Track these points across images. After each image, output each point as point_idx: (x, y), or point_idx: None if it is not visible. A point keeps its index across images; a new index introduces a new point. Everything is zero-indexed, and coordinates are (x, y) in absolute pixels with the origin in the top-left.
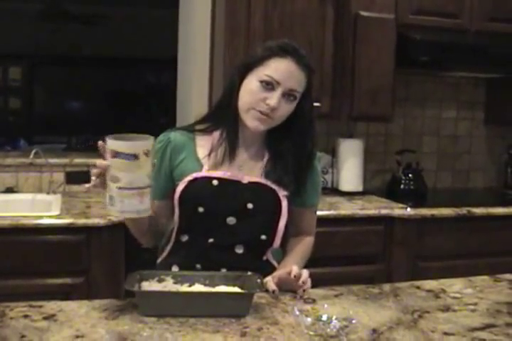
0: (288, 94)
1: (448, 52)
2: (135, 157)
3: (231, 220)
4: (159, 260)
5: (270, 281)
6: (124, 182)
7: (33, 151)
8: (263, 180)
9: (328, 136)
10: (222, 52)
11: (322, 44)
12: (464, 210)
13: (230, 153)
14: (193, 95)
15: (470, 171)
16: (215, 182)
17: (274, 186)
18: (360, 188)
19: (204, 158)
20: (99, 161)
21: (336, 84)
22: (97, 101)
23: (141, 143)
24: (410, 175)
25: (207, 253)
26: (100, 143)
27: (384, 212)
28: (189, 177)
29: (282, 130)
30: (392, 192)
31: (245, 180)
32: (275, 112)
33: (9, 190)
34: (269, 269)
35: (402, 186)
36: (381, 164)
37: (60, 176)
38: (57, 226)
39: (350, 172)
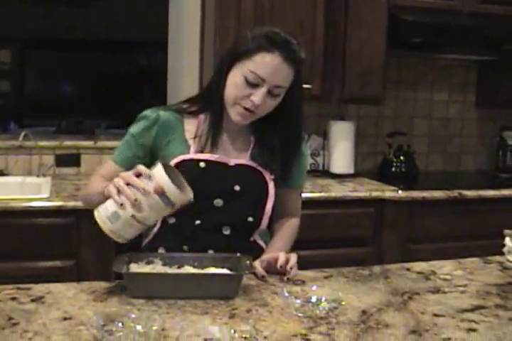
0: (273, 90)
1: (440, 34)
2: (172, 206)
3: (218, 202)
4: (144, 243)
5: (258, 266)
6: (142, 215)
7: (23, 134)
8: (249, 162)
9: (320, 119)
10: (212, 34)
11: (313, 25)
12: (455, 193)
13: (214, 137)
14: (184, 77)
15: (461, 154)
16: (202, 164)
17: (260, 168)
18: (351, 170)
19: (191, 140)
20: (136, 180)
21: (327, 66)
22: (87, 84)
23: (186, 198)
24: (401, 158)
25: (194, 235)
26: (142, 167)
27: (375, 194)
28: (176, 160)
29: (270, 117)
30: (383, 175)
31: (232, 162)
32: (259, 108)
33: None
34: (257, 250)
35: (393, 168)
36: (372, 146)
37: (49, 159)
38: (47, 209)
39: (341, 155)
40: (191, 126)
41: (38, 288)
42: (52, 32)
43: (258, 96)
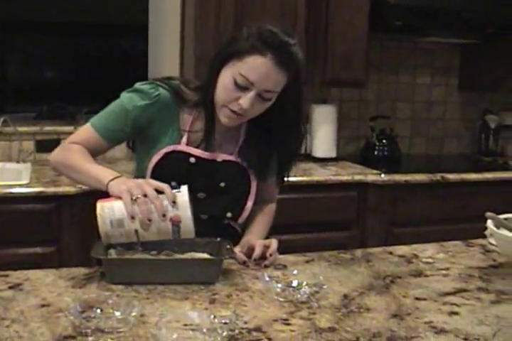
0: (264, 94)
1: (422, 17)
2: (176, 237)
3: (201, 195)
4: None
5: (239, 252)
6: (145, 234)
7: (1, 119)
8: (236, 159)
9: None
10: (192, 18)
11: (295, 7)
12: (437, 176)
13: (208, 137)
14: (165, 62)
15: (444, 137)
16: (192, 159)
17: (245, 165)
18: (333, 154)
19: (184, 131)
20: (160, 204)
21: (309, 49)
22: (70, 68)
23: (191, 236)
24: (384, 141)
25: None
26: (168, 189)
27: (357, 178)
28: (166, 150)
29: (262, 119)
30: (365, 158)
31: (220, 158)
32: (247, 111)
33: None
34: (232, 234)
35: (375, 152)
36: (355, 130)
37: (29, 144)
38: (27, 195)
39: (323, 139)
40: (186, 117)
41: (16, 275)
42: (34, 16)
43: (246, 100)
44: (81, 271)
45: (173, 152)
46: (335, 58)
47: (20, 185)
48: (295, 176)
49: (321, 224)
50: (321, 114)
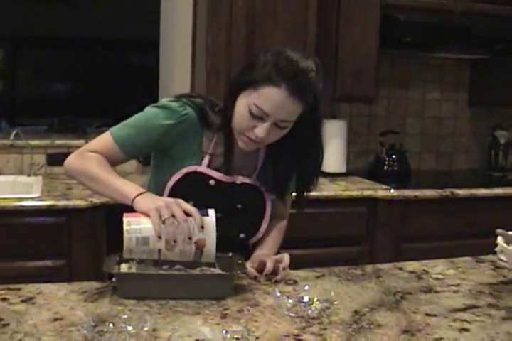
0: (279, 123)
1: (432, 33)
2: (196, 260)
3: (217, 215)
4: None
5: (250, 268)
6: (167, 254)
7: (14, 133)
8: (254, 182)
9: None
10: (204, 34)
11: (305, 24)
12: (447, 192)
13: (226, 159)
14: (176, 77)
15: (454, 153)
16: (212, 182)
17: (263, 188)
18: (343, 169)
19: (205, 153)
20: (188, 228)
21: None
22: (79, 82)
23: (211, 261)
24: (394, 157)
25: None
26: (196, 214)
27: (367, 193)
28: (186, 170)
29: (281, 143)
30: (375, 174)
31: (239, 180)
32: (264, 140)
33: None
34: (243, 248)
35: (385, 167)
36: (364, 145)
37: (41, 158)
38: (38, 208)
39: (333, 153)
40: (208, 139)
41: (29, 289)
42: (43, 31)
43: (261, 130)
44: (93, 285)
45: (193, 172)
46: (345, 74)
47: (32, 199)
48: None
49: (330, 239)
50: (331, 129)
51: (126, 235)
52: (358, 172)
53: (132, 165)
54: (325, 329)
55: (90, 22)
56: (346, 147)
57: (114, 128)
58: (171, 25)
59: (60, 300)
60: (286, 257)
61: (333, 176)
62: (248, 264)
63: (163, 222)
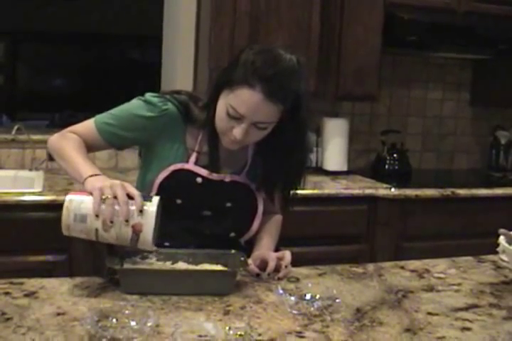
0: (258, 125)
1: (435, 33)
2: (133, 246)
3: (207, 213)
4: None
5: (252, 265)
6: (104, 235)
7: (15, 127)
8: (244, 180)
9: (314, 115)
10: (207, 30)
11: (309, 23)
12: (448, 191)
13: (211, 158)
14: (178, 73)
15: (455, 152)
16: (199, 179)
17: (253, 186)
18: (344, 168)
19: (191, 149)
20: (126, 209)
21: (321, 64)
22: (80, 77)
23: (150, 249)
24: (395, 156)
25: (175, 233)
26: (139, 197)
27: (368, 191)
28: (173, 167)
29: (268, 141)
30: (376, 172)
31: (227, 178)
32: (245, 139)
33: None
34: (234, 246)
35: (386, 166)
36: (366, 144)
37: (42, 153)
38: (40, 203)
39: (334, 152)
40: (193, 136)
41: (31, 283)
42: (44, 25)
43: (239, 131)
44: (95, 280)
45: (180, 170)
46: (347, 73)
47: (33, 193)
48: (305, 189)
49: (330, 237)
50: (332, 127)
51: (64, 211)
52: (359, 170)
53: (134, 161)
54: (327, 326)
55: (91, 17)
56: (348, 145)
57: (99, 116)
58: (175, 22)
59: (63, 295)
60: (287, 254)
61: (334, 174)
62: (249, 262)
63: (104, 202)
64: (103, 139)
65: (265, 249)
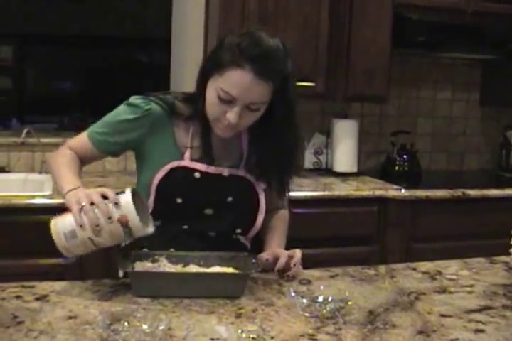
0: (250, 106)
1: (444, 33)
2: (131, 237)
3: (209, 211)
4: (123, 244)
5: (262, 254)
6: (99, 240)
7: (25, 131)
8: (243, 173)
9: (323, 117)
10: (216, 31)
11: (317, 23)
12: (458, 192)
13: (208, 151)
14: (187, 75)
15: (465, 153)
16: (197, 174)
17: (253, 180)
18: (354, 169)
19: (184, 146)
20: (105, 207)
21: (331, 64)
22: (88, 80)
23: (145, 233)
24: (405, 157)
25: (179, 238)
26: (110, 192)
27: (378, 193)
28: (169, 166)
29: (262, 124)
30: (386, 173)
31: (226, 172)
32: (239, 123)
33: (1, 170)
34: (241, 248)
35: (396, 167)
36: (376, 145)
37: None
38: (50, 206)
39: (344, 153)
40: (183, 132)
41: (42, 286)
42: (52, 28)
43: (232, 114)
44: (106, 283)
45: (177, 168)
46: (357, 74)
47: (43, 196)
48: (316, 191)
49: (341, 238)
50: (342, 128)
51: (54, 236)
52: (369, 172)
53: (113, 164)
54: (340, 329)
55: (99, 20)
56: (357, 147)
57: (91, 127)
58: (183, 24)
59: (74, 299)
60: (298, 253)
61: (344, 176)
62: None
63: (82, 210)
64: (96, 149)
65: (275, 245)
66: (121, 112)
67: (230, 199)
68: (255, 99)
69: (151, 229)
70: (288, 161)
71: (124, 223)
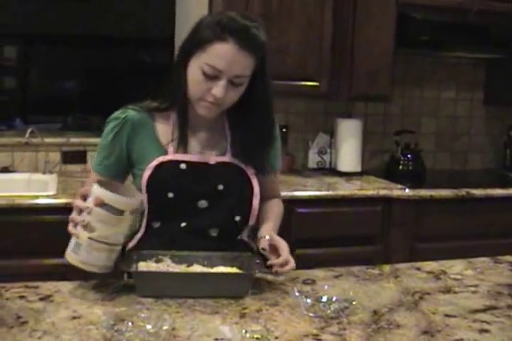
0: (234, 80)
1: (448, 32)
2: (120, 213)
3: (203, 203)
4: (128, 247)
5: (264, 240)
6: (98, 234)
7: (29, 131)
8: (230, 159)
9: (327, 116)
10: None
11: (321, 23)
12: (462, 191)
13: (184, 137)
14: None
15: (469, 152)
16: (182, 165)
17: (242, 165)
18: (358, 169)
19: (166, 140)
20: (79, 202)
21: (334, 64)
22: (92, 80)
23: (132, 202)
24: (409, 156)
25: (180, 238)
26: (83, 189)
27: (382, 192)
28: (155, 163)
29: (240, 106)
30: (390, 173)
31: (212, 160)
32: (224, 100)
33: (5, 170)
34: (245, 249)
35: (400, 167)
36: (380, 144)
37: (56, 156)
38: (54, 206)
39: (348, 153)
40: (164, 128)
41: (46, 287)
42: (56, 28)
43: (218, 89)
44: (110, 283)
45: (162, 163)
46: (361, 73)
47: (47, 196)
48: (320, 190)
49: (345, 238)
50: (346, 128)
51: (69, 259)
52: (373, 171)
53: None
54: (344, 329)
55: (103, 20)
56: (361, 146)
57: (93, 162)
58: (187, 23)
59: (78, 299)
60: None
61: (348, 175)
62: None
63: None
64: (108, 177)
65: (270, 229)
66: (105, 134)
67: (220, 187)
68: (240, 71)
69: (138, 198)
70: (269, 141)
71: (101, 203)
